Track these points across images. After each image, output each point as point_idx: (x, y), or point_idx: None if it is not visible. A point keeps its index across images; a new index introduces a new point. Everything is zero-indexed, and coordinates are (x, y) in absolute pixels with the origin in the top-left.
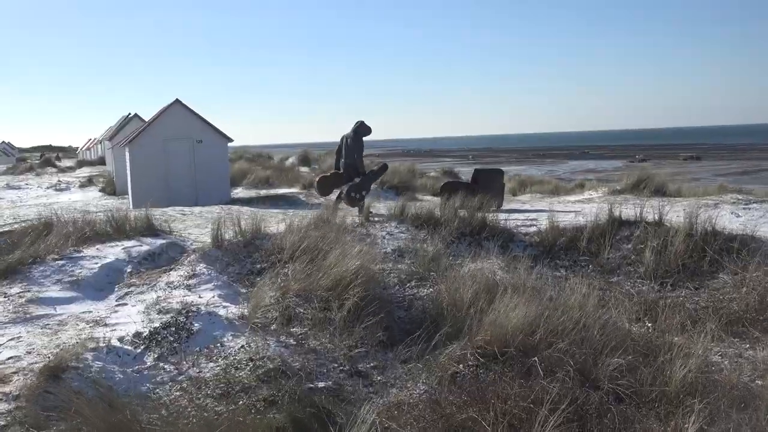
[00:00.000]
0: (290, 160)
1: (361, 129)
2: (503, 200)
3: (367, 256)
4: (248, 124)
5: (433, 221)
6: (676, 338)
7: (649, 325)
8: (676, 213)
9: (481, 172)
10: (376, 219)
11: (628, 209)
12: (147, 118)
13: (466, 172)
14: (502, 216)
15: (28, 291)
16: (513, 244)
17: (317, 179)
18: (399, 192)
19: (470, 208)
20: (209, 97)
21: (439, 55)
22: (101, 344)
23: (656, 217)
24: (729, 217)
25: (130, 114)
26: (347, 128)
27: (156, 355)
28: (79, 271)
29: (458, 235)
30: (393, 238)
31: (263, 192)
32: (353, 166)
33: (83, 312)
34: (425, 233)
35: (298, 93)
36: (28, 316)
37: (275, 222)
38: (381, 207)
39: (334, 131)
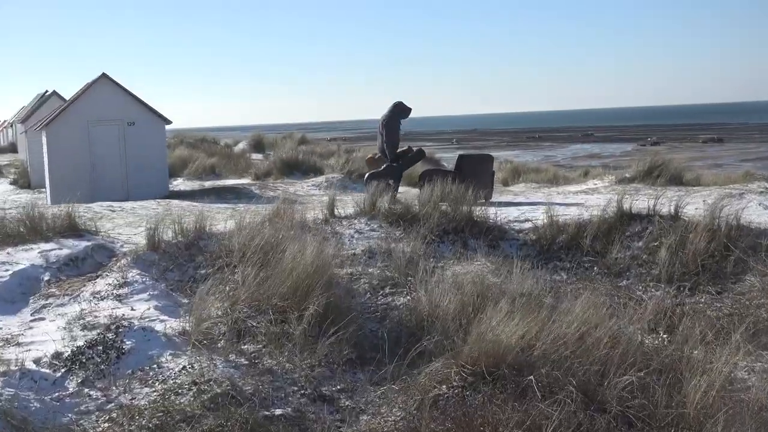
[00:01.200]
0: (240, 145)
1: (397, 110)
2: (493, 191)
3: (331, 258)
4: (189, 104)
5: (410, 217)
6: (695, 351)
7: (665, 336)
8: (695, 205)
9: (467, 159)
10: (342, 215)
11: (639, 201)
12: (68, 96)
13: (448, 159)
14: (491, 210)
15: None
16: (504, 243)
17: (367, 158)
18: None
19: (454, 200)
20: (142, 73)
21: (410, 19)
22: (13, 367)
23: (672, 210)
24: (757, 210)
25: (47, 92)
26: (305, 109)
27: (80, 380)
28: None
29: (440, 233)
30: (363, 237)
31: (208, 183)
32: (384, 151)
33: None
34: (401, 231)
35: (248, 69)
36: None
37: (222, 219)
38: (348, 201)
39: (293, 112)
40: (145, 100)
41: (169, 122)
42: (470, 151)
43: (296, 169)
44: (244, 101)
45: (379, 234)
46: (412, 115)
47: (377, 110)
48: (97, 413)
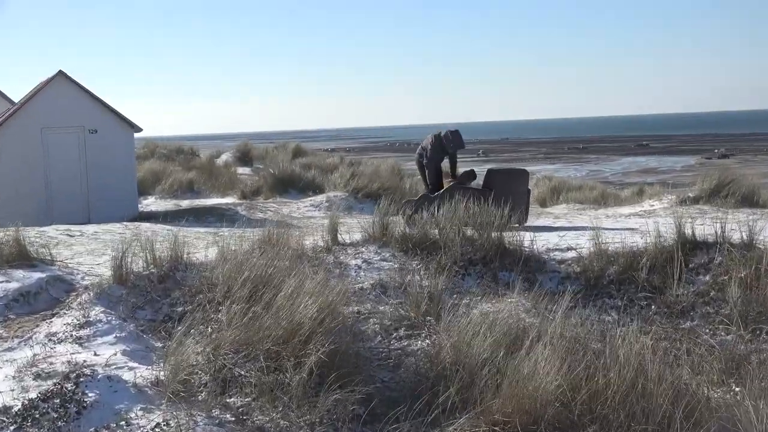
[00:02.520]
0: (224, 157)
1: (455, 140)
2: (528, 213)
3: (335, 294)
4: (162, 109)
5: (429, 244)
6: None
7: (737, 389)
8: None
9: (497, 174)
10: (347, 242)
11: (704, 226)
12: (17, 98)
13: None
14: (526, 236)
15: None
16: (543, 276)
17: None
18: (379, 202)
19: (481, 224)
20: (108, 74)
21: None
22: None
23: (744, 237)
24: None
25: None
26: (299, 116)
27: None
28: None
29: (465, 264)
30: (372, 269)
31: (185, 203)
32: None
33: None
34: (417, 261)
35: (232, 70)
36: None
37: (203, 246)
38: (354, 224)
39: (285, 119)
40: (110, 104)
41: (138, 129)
42: (501, 164)
43: (291, 186)
44: (227, 106)
45: (392, 264)
46: (431, 120)
47: (383, 118)
48: None
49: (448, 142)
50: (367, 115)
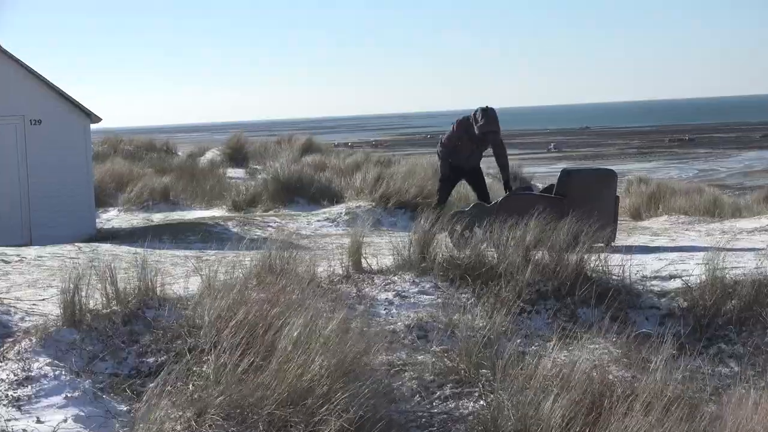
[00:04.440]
0: (209, 155)
1: (487, 119)
2: (616, 229)
3: (358, 339)
4: (130, 94)
5: (485, 271)
6: None
7: None
8: None
9: (575, 177)
10: (374, 269)
11: None
12: None
13: (544, 176)
14: (615, 259)
15: None
16: (637, 314)
17: None
18: (416, 214)
19: (555, 245)
20: (58, 52)
21: None
22: None
23: None
24: None
25: None
26: (307, 99)
27: None
28: None
29: (532, 298)
30: (408, 304)
31: (158, 217)
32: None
33: None
34: (469, 294)
35: (221, 45)
36: None
37: (183, 275)
38: (383, 245)
39: (289, 104)
40: (59, 86)
41: (97, 120)
42: (579, 163)
43: (299, 193)
44: (214, 89)
45: (434, 299)
46: (489, 100)
47: (420, 102)
48: None
49: (475, 123)
50: (397, 98)
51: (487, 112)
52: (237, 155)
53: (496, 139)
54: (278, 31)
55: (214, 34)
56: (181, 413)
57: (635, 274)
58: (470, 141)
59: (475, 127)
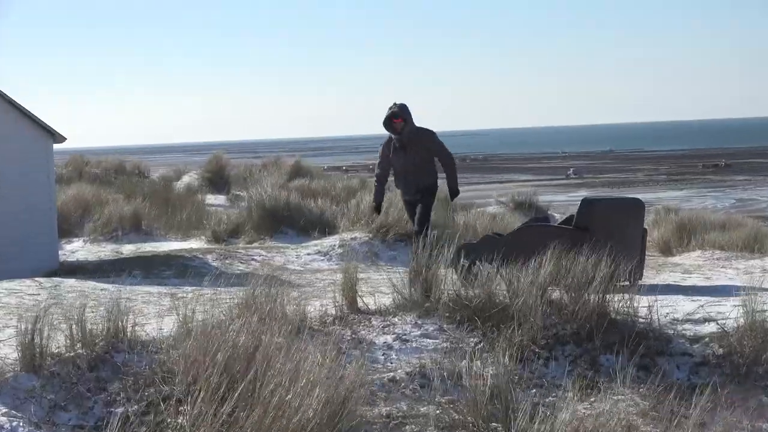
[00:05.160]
0: (186, 179)
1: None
2: (644, 265)
3: (353, 388)
4: (98, 112)
5: (496, 312)
6: None
7: None
8: None
9: (598, 207)
10: (371, 308)
11: None
12: None
13: (563, 205)
14: (642, 300)
15: None
16: (667, 361)
17: None
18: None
19: (574, 283)
20: (19, 68)
21: None
22: None
23: None
24: None
25: None
26: (295, 118)
27: None
28: None
29: (549, 342)
30: (409, 349)
31: (129, 248)
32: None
33: None
34: (478, 338)
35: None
36: None
37: (155, 314)
38: (381, 281)
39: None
40: (17, 102)
41: (60, 139)
42: (602, 191)
43: (288, 223)
44: (191, 105)
45: (439, 343)
46: (490, 126)
47: (425, 120)
48: None
49: (388, 128)
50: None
51: (390, 108)
52: (217, 179)
53: (413, 131)
54: (261, 45)
55: (192, 48)
56: None
57: (665, 316)
58: (395, 153)
59: (390, 132)
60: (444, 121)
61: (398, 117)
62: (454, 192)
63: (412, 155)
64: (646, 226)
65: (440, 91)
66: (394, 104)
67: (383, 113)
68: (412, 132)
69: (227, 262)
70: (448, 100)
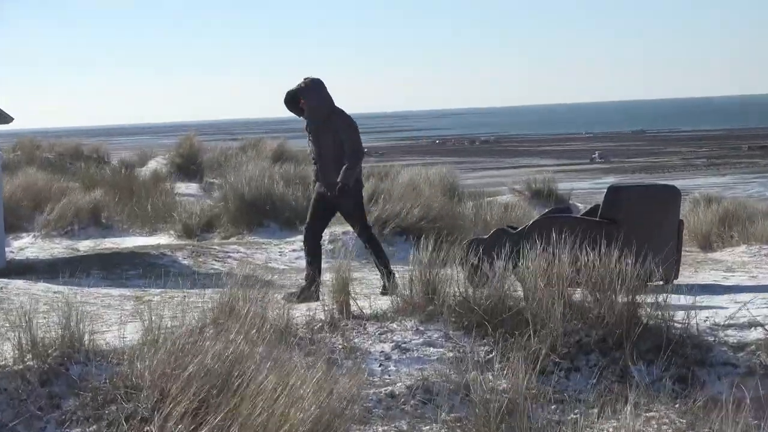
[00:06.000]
0: (152, 164)
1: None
2: (680, 262)
3: (346, 404)
4: (50, 89)
5: (509, 317)
6: None
7: None
8: None
9: (626, 194)
10: (365, 313)
11: None
12: None
13: (587, 193)
14: (677, 301)
15: None
16: (707, 372)
17: None
18: (419, 241)
19: (600, 283)
20: None
21: None
22: None
23: None
24: None
25: None
26: (261, 97)
27: None
28: None
29: (571, 351)
30: (409, 359)
31: (86, 245)
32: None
33: None
34: (489, 346)
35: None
36: None
37: (117, 320)
38: (377, 281)
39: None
40: None
41: (7, 119)
42: (632, 177)
43: (269, 215)
44: (159, 83)
45: (444, 352)
46: (500, 104)
47: (426, 99)
48: None
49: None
50: (396, 94)
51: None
52: (189, 165)
53: (324, 114)
54: (243, 11)
55: (158, 19)
56: None
57: (704, 321)
58: (309, 137)
59: (294, 113)
60: (449, 99)
61: (302, 96)
62: (338, 186)
63: (323, 143)
64: (683, 218)
65: (443, 65)
66: (305, 80)
67: (376, 91)
68: (323, 115)
69: (200, 260)
70: (453, 75)
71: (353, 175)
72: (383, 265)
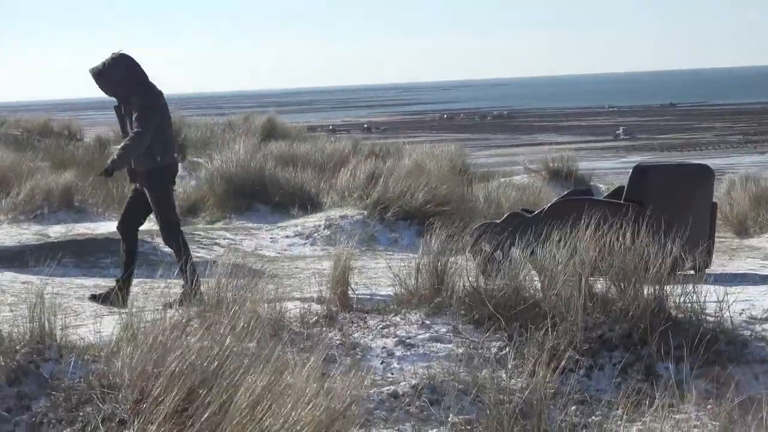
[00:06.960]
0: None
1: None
2: (713, 249)
3: (345, 405)
4: (17, 62)
5: (524, 309)
6: None
7: None
8: None
9: (653, 175)
10: (365, 306)
11: None
12: None
13: (610, 173)
14: (709, 293)
15: None
16: (742, 370)
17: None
18: (424, 226)
19: (624, 272)
20: None
21: None
22: None
23: None
24: None
25: None
26: (276, 65)
27: None
28: None
29: (593, 347)
30: (415, 356)
31: (57, 230)
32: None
33: None
34: (502, 341)
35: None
36: None
37: (93, 313)
38: (380, 270)
39: (251, 71)
40: None
41: None
42: (660, 156)
43: (259, 198)
44: (136, 49)
45: (453, 348)
46: (514, 75)
47: (429, 70)
48: None
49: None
50: (398, 65)
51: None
52: None
53: (127, 92)
54: None
55: None
56: None
57: (739, 314)
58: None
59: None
60: (457, 70)
61: (106, 74)
62: (107, 169)
63: (126, 125)
64: (716, 200)
65: (452, 34)
66: (112, 55)
67: (376, 62)
68: (126, 93)
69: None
70: (463, 45)
71: (125, 159)
72: (191, 273)
